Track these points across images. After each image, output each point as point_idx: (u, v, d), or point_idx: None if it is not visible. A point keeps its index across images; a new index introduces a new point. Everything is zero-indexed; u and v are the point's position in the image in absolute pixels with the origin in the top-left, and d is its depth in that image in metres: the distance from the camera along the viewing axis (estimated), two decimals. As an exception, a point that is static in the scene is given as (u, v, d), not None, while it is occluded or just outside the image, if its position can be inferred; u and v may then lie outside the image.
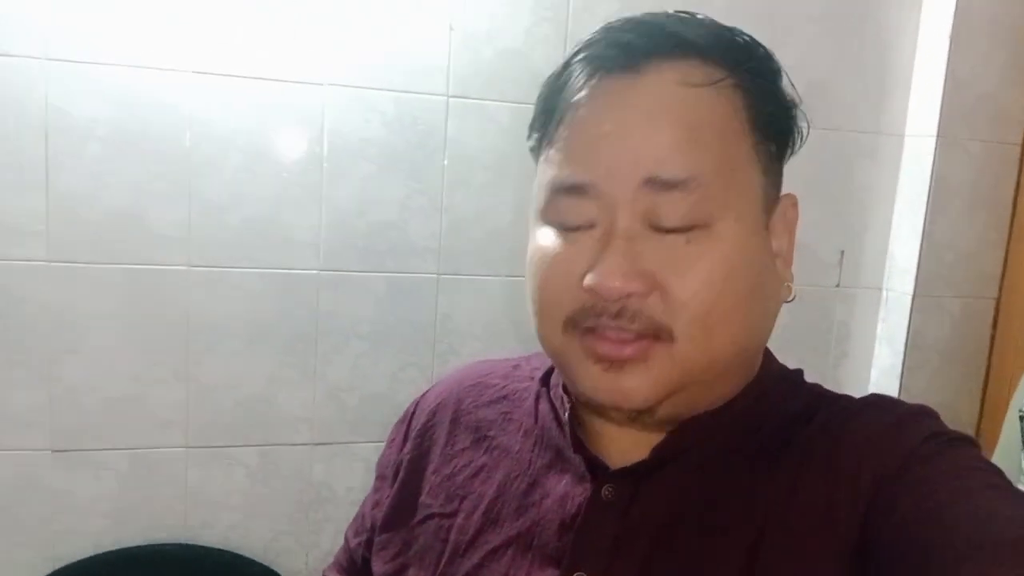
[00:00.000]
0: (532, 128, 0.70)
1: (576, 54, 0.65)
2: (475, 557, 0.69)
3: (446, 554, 0.71)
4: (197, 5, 1.27)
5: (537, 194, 0.66)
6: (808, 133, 0.67)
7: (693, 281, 0.59)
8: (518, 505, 0.69)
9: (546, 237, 0.64)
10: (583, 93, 0.62)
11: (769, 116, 0.63)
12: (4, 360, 1.29)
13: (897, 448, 0.58)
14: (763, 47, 0.64)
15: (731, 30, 0.64)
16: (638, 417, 0.63)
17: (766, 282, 0.64)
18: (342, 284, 1.40)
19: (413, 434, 0.81)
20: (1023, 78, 1.51)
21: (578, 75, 0.63)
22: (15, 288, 1.27)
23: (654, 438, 0.65)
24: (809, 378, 0.72)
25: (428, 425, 0.81)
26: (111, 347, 1.33)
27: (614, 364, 0.61)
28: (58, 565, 1.34)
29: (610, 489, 0.65)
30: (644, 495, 0.64)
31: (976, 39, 1.47)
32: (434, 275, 1.44)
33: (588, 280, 0.59)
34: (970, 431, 1.60)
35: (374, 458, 1.43)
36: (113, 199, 1.29)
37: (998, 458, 1.37)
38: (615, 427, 0.68)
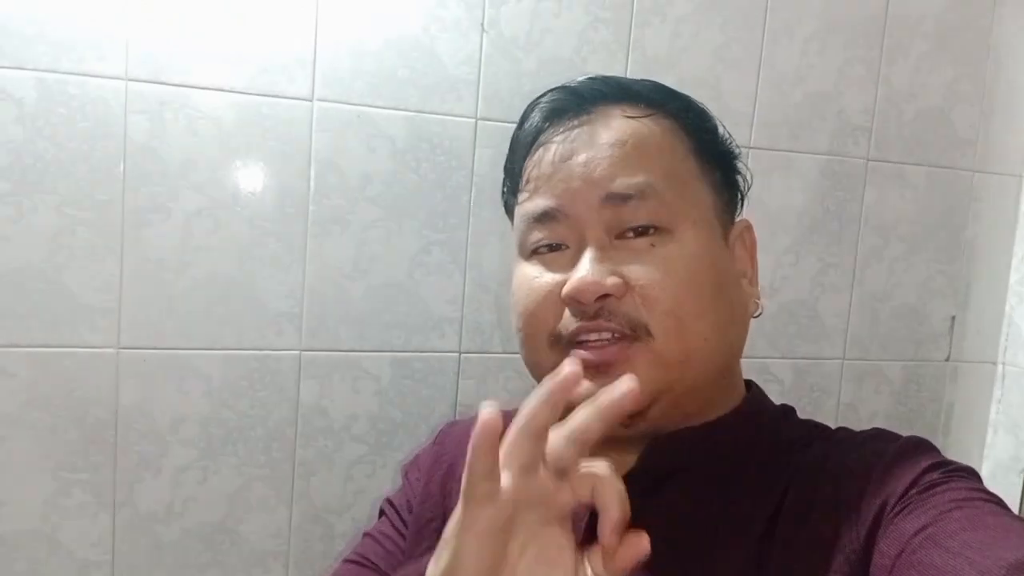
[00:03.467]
0: (504, 182, 0.75)
1: (531, 108, 0.72)
2: None
3: None
4: (137, -14, 0.92)
5: (515, 236, 0.71)
6: (752, 182, 0.73)
7: (661, 278, 0.63)
8: None
9: (527, 269, 0.68)
10: (542, 136, 0.69)
11: (708, 144, 0.69)
12: None
13: (901, 477, 0.59)
14: (699, 104, 0.72)
15: (671, 89, 0.71)
16: (630, 424, 0.64)
17: (730, 287, 0.68)
18: (331, 367, 1.04)
19: (431, 461, 0.82)
20: None
21: (536, 123, 0.70)
22: None
23: (631, 462, 0.66)
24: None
25: (446, 456, 0.81)
26: (8, 461, 0.94)
27: (599, 369, 0.62)
28: None
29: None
30: (638, 515, 0.60)
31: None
32: (455, 353, 1.08)
33: (565, 289, 0.63)
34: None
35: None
36: (15, 255, 0.92)
37: None
38: (604, 452, 0.65)
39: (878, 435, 0.67)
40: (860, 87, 1.18)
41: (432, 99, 1.03)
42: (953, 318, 1.28)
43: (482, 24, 1.02)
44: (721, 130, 0.72)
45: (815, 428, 0.71)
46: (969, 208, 1.27)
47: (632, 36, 1.08)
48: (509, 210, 0.75)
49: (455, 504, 0.74)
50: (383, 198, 1.03)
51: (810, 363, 1.21)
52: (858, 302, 1.23)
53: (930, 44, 1.21)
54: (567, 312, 0.65)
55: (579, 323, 0.64)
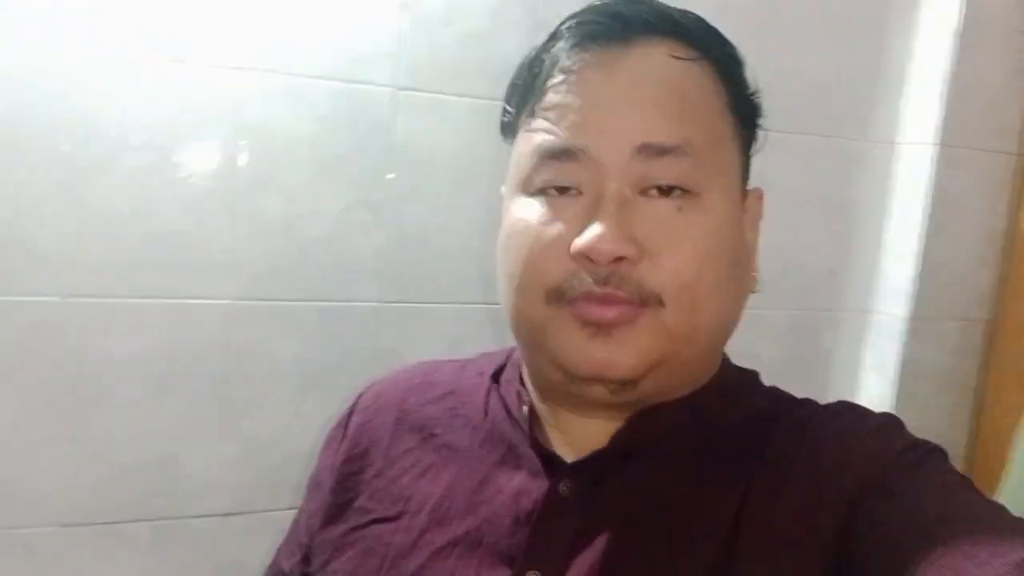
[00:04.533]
0: (510, 100, 0.69)
1: (564, 24, 0.65)
2: (419, 558, 0.65)
3: (389, 557, 0.67)
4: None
5: (516, 166, 0.65)
6: (767, 136, 0.69)
7: (684, 249, 0.59)
8: (468, 503, 0.67)
9: (529, 207, 0.63)
10: (574, 60, 0.62)
11: (744, 101, 0.66)
12: None
13: (876, 458, 0.58)
14: (738, 52, 0.67)
15: (701, 18, 0.66)
16: (620, 391, 0.62)
17: (743, 263, 0.65)
18: (262, 316, 1.14)
19: (351, 433, 0.79)
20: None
21: (568, 44, 0.63)
22: None
23: (612, 429, 0.64)
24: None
25: (368, 425, 0.78)
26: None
27: (601, 330, 0.59)
28: None
29: (568, 484, 0.64)
30: (605, 491, 0.63)
31: (984, 39, 1.32)
32: (375, 303, 1.19)
33: (578, 243, 0.58)
34: (963, 462, 1.47)
35: (300, 529, 1.19)
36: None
37: (1012, 488, 1.24)
38: (576, 418, 0.66)
39: (846, 410, 0.66)
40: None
41: (355, 69, 1.11)
42: (831, 272, 1.42)
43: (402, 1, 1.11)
44: (751, 81, 0.68)
45: (781, 400, 0.70)
46: (849, 173, 1.40)
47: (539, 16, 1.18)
48: (507, 131, 0.69)
49: (379, 477, 0.73)
50: (309, 160, 1.12)
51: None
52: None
53: (814, 26, 1.33)
54: (572, 267, 0.59)
55: (587, 288, 0.59)
